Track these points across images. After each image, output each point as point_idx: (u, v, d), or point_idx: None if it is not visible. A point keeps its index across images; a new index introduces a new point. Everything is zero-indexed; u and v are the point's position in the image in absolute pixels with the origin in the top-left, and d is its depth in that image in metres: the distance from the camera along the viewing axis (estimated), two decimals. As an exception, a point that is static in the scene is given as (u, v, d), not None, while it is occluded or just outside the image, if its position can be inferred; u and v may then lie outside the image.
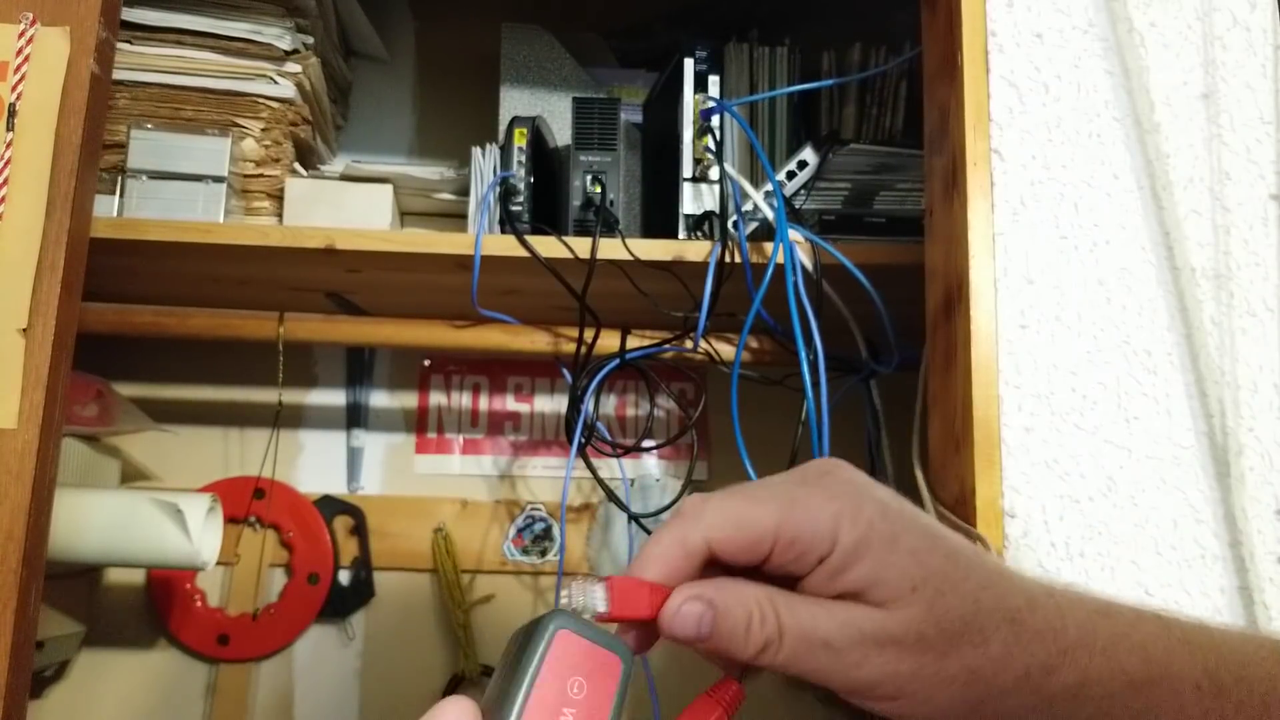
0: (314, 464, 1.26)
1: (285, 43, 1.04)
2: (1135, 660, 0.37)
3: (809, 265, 0.89)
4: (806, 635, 0.35)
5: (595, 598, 0.35)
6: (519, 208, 0.97)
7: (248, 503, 1.21)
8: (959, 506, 0.69)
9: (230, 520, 1.17)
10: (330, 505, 1.24)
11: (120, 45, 0.89)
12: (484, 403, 1.30)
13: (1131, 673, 0.36)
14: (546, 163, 1.03)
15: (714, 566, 0.37)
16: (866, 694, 0.36)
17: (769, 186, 0.94)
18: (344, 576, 1.23)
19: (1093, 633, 0.37)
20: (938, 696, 0.36)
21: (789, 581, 0.37)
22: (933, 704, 0.36)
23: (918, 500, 0.79)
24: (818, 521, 0.35)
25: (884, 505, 0.37)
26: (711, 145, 0.95)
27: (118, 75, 0.99)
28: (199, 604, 1.20)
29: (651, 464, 1.27)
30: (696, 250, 0.91)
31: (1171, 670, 0.37)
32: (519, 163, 0.98)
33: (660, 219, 1.01)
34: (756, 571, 0.38)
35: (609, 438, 1.08)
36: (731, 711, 0.37)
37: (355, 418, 1.27)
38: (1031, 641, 0.36)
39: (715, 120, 0.97)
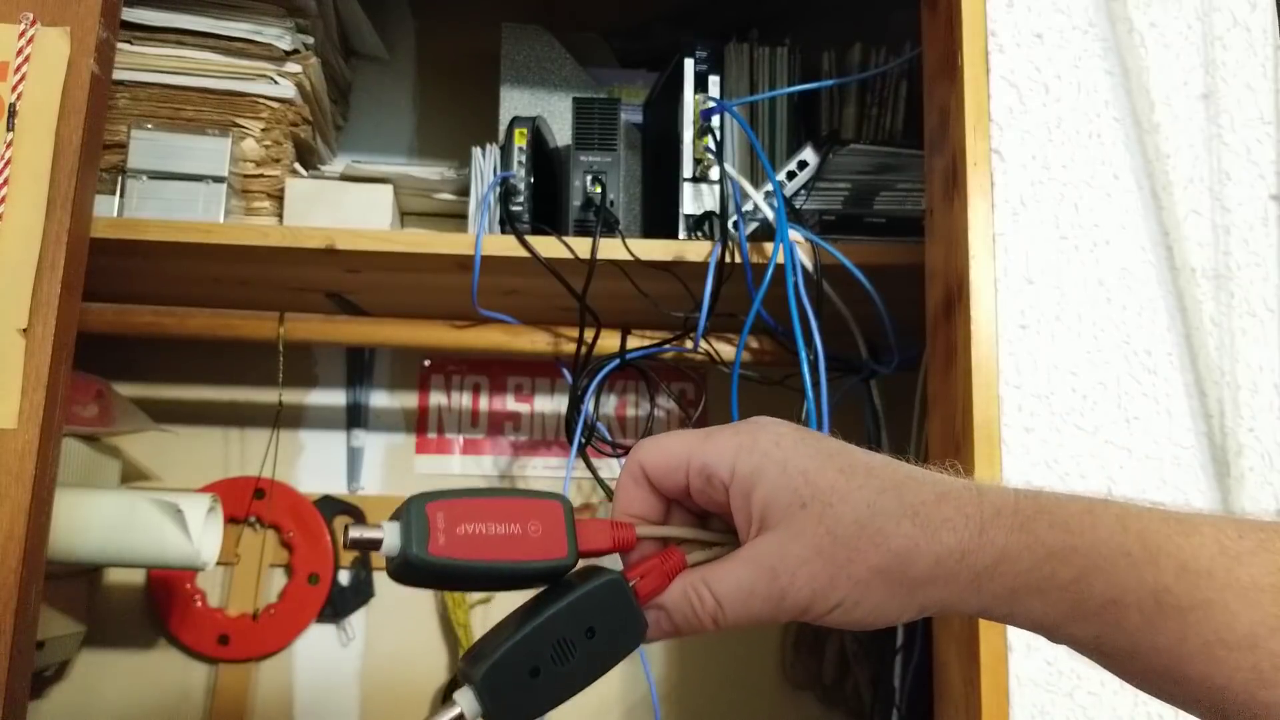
0: (314, 464, 1.26)
1: (285, 43, 1.04)
2: (1055, 533, 0.37)
3: (809, 265, 0.89)
4: (735, 594, 0.39)
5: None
6: (519, 208, 0.97)
7: (248, 503, 1.21)
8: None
9: (230, 520, 1.17)
10: (330, 505, 1.23)
11: (120, 45, 0.89)
12: (484, 403, 1.30)
13: (1050, 544, 0.37)
14: (546, 163, 1.03)
15: (675, 504, 0.44)
16: (811, 615, 0.39)
17: (769, 186, 0.94)
18: (344, 577, 1.23)
19: (1011, 512, 0.38)
20: (868, 600, 0.39)
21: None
22: (872, 608, 0.39)
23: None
24: (721, 451, 0.40)
25: (780, 436, 0.40)
26: (711, 145, 0.95)
27: (118, 75, 0.99)
28: (199, 604, 1.20)
29: (651, 464, 1.27)
30: (696, 250, 0.91)
31: (1098, 539, 0.37)
32: (519, 163, 0.98)
33: (660, 219, 1.01)
34: (704, 513, 0.44)
35: (609, 438, 1.07)
36: (673, 575, 0.42)
37: (355, 418, 1.27)
38: (939, 529, 0.38)
39: (715, 120, 0.97)
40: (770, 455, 0.40)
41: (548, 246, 0.91)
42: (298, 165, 1.10)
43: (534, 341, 1.06)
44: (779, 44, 1.06)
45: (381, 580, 1.23)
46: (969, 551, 0.38)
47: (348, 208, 1.06)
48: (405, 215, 1.19)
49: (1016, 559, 0.37)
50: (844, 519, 0.38)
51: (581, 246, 0.90)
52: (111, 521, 0.94)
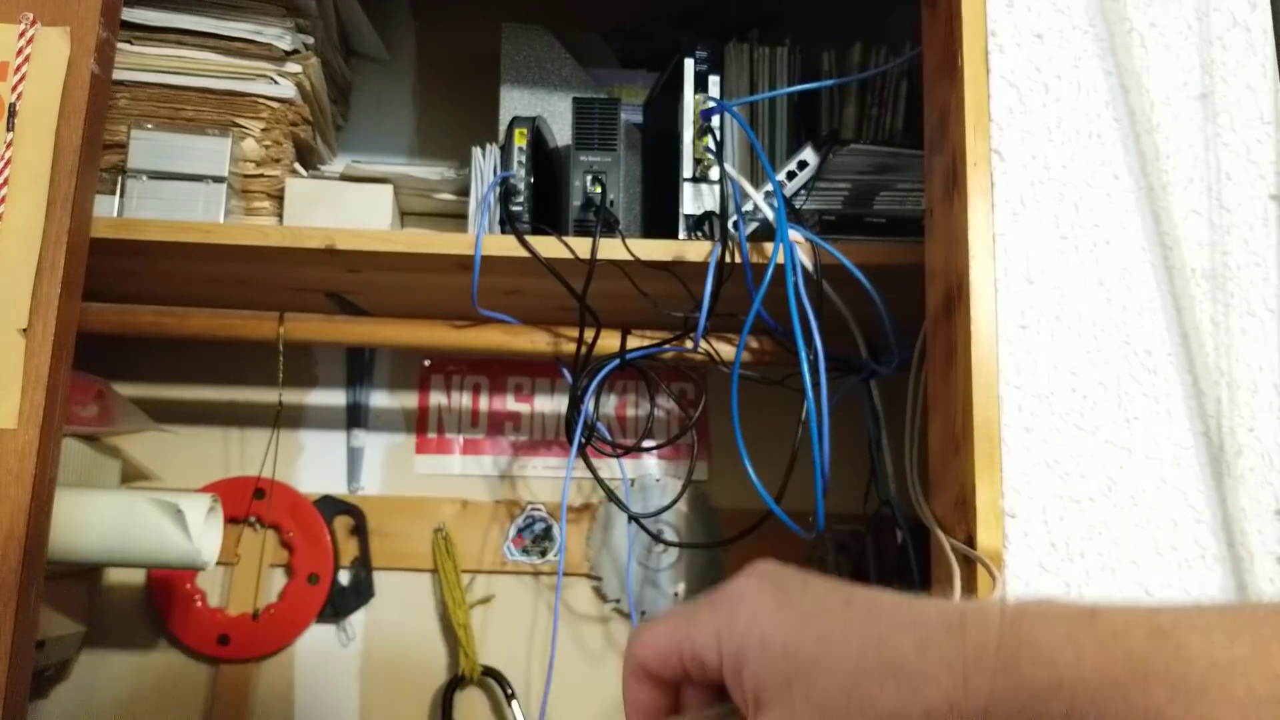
0: (314, 464, 1.26)
1: (285, 43, 1.04)
2: (1040, 670, 0.36)
3: (809, 265, 0.89)
4: None
5: None
6: (519, 208, 0.97)
7: (248, 503, 1.21)
8: (959, 507, 0.69)
9: (230, 520, 1.17)
10: (330, 505, 1.23)
11: (120, 45, 0.89)
12: (484, 403, 1.30)
13: (1035, 683, 0.36)
14: (546, 163, 1.03)
15: (689, 685, 0.43)
16: None
17: (769, 186, 0.94)
18: (344, 576, 1.23)
19: (994, 651, 0.37)
20: None
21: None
22: None
23: (915, 504, 0.79)
24: (705, 636, 0.40)
25: (756, 610, 0.39)
26: (711, 145, 0.95)
27: (118, 75, 0.99)
28: (199, 604, 1.20)
29: (652, 464, 1.28)
30: (696, 250, 0.91)
31: (1082, 672, 0.36)
32: (519, 163, 0.98)
33: (660, 219, 1.01)
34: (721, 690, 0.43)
35: (609, 438, 1.08)
36: None
37: (355, 418, 1.27)
38: (922, 686, 0.37)
39: (715, 120, 0.97)
40: (749, 634, 0.39)
41: (548, 246, 0.91)
42: (298, 165, 1.10)
43: (534, 341, 1.06)
44: (779, 44, 1.06)
45: (381, 580, 1.23)
46: (956, 702, 0.37)
47: (348, 208, 1.06)
48: (405, 215, 1.19)
49: (1006, 702, 0.36)
50: (829, 690, 0.37)
51: (581, 246, 0.90)
52: (111, 521, 0.94)
